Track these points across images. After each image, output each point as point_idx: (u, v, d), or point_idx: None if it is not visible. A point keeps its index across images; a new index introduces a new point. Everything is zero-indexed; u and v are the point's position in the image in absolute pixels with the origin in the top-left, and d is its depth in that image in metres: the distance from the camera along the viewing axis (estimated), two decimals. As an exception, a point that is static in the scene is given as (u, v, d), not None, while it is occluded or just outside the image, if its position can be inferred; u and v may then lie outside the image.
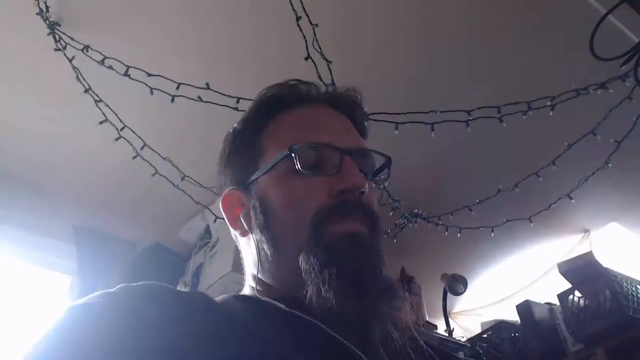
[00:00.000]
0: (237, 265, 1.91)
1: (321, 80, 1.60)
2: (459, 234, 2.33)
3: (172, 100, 1.61)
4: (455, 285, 2.34)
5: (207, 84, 1.60)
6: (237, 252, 1.97)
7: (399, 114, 1.76)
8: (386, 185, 2.02)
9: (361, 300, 0.52)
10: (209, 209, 2.02)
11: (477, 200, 2.22)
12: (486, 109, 1.84)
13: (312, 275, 0.53)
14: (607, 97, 1.85)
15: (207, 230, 2.26)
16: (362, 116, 0.69)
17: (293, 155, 0.58)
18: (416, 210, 2.28)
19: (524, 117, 1.86)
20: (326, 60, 1.57)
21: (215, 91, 1.61)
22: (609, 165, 2.11)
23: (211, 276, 1.99)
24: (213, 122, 1.97)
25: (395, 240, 2.33)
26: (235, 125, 0.69)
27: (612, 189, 2.48)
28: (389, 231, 2.34)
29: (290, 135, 0.61)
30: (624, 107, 1.88)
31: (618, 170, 2.18)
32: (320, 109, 0.65)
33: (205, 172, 1.93)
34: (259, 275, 0.60)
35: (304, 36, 1.53)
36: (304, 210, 0.56)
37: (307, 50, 1.55)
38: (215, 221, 2.07)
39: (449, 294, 2.39)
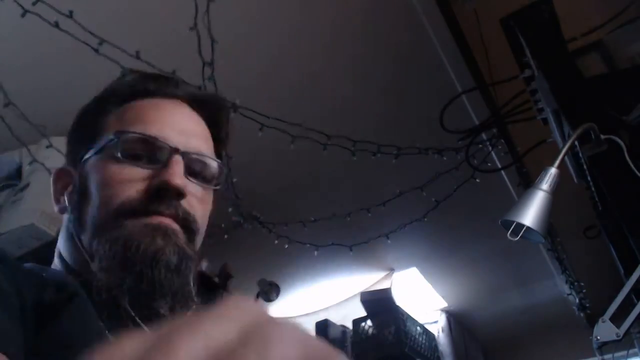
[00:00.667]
0: (44, 220, 1.70)
1: (200, 56, 1.54)
2: (287, 245, 2.42)
3: (24, 15, 1.38)
4: (269, 292, 2.41)
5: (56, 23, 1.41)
6: (47, 206, 1.75)
7: (267, 116, 1.77)
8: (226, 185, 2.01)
9: (143, 285, 0.51)
10: (27, 147, 1.76)
11: (313, 219, 2.34)
12: (344, 139, 1.97)
13: (100, 259, 0.52)
14: (440, 163, 2.14)
15: (18, 171, 1.96)
16: (222, 122, 0.67)
17: (116, 140, 0.56)
18: (254, 213, 2.31)
19: (373, 157, 2.04)
20: (211, 37, 1.52)
21: (77, 22, 1.42)
22: (425, 219, 2.43)
23: (7, 222, 1.72)
24: (60, 53, 1.75)
25: (225, 237, 2.32)
26: (87, 103, 0.65)
27: (422, 240, 2.85)
28: (222, 226, 2.32)
29: (128, 122, 0.59)
30: (450, 175, 2.18)
31: (431, 225, 2.52)
32: (171, 104, 0.62)
33: (35, 107, 1.69)
34: (64, 253, 0.59)
35: (196, 4, 1.46)
36: (111, 199, 0.54)
37: (195, 20, 1.48)
38: (30, 164, 1.80)
39: (260, 299, 2.45)
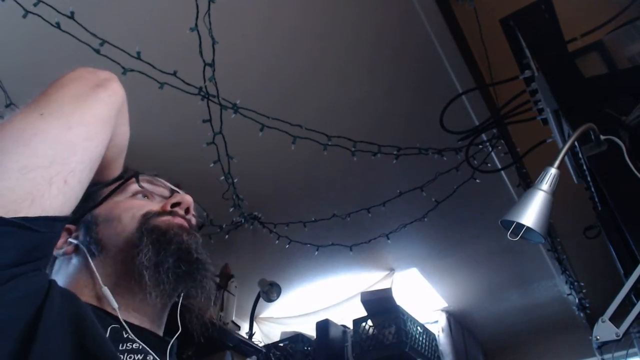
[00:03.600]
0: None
1: (201, 57, 1.54)
2: (287, 245, 2.43)
3: (25, 16, 1.39)
4: (270, 292, 2.42)
5: (57, 24, 1.41)
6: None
7: (267, 117, 1.77)
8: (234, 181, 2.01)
9: (183, 264, 0.63)
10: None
11: (313, 219, 2.35)
12: (344, 140, 1.98)
13: (141, 242, 0.63)
14: (440, 163, 2.14)
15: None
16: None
17: (137, 177, 0.71)
18: (255, 213, 2.31)
19: (373, 157, 2.04)
20: (212, 38, 1.52)
21: (78, 23, 1.43)
22: (425, 219, 2.44)
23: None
24: (61, 54, 1.75)
25: (227, 237, 2.33)
26: None
27: (421, 240, 2.85)
28: (224, 226, 2.33)
29: (127, 182, 0.73)
30: (450, 175, 2.19)
31: (431, 225, 2.53)
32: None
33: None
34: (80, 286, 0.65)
35: (197, 5, 1.46)
36: (137, 213, 0.67)
37: (196, 21, 1.48)
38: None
39: (261, 299, 2.46)
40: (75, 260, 0.68)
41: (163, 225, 0.66)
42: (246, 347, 2.14)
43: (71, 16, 1.42)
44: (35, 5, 1.40)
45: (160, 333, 0.67)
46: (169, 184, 0.76)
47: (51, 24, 1.43)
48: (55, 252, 0.69)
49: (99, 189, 0.74)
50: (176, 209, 0.70)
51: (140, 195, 0.72)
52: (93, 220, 0.69)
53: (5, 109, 1.58)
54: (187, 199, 0.72)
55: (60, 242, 0.69)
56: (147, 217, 0.67)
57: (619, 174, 1.00)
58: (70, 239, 0.69)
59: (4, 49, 1.71)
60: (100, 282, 0.63)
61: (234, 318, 2.32)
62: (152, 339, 0.63)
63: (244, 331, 2.48)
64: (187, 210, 0.71)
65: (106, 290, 0.62)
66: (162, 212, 0.68)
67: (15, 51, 1.73)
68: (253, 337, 2.42)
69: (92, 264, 0.64)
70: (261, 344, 2.45)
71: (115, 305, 0.60)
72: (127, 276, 0.63)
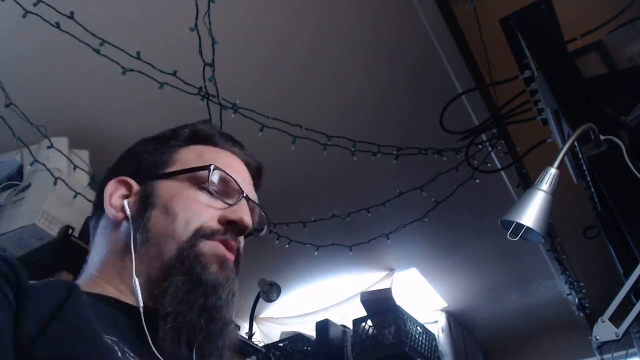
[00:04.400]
0: (45, 220, 1.70)
1: (201, 57, 1.54)
2: (287, 245, 2.43)
3: (25, 16, 1.39)
4: (270, 292, 2.42)
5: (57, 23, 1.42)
6: (48, 206, 1.75)
7: (267, 117, 1.77)
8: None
9: (200, 318, 0.58)
10: (28, 148, 1.76)
11: (313, 219, 2.35)
12: (344, 140, 1.98)
13: (176, 271, 0.59)
14: (440, 163, 2.14)
15: (20, 172, 1.96)
16: (259, 180, 0.80)
17: (210, 170, 0.65)
18: (255, 213, 2.31)
19: (373, 157, 2.04)
20: (212, 38, 1.52)
21: (78, 23, 1.43)
22: (425, 219, 2.44)
23: (9, 223, 1.72)
24: (61, 54, 1.75)
25: (226, 236, 2.32)
26: (161, 132, 0.75)
27: (421, 240, 2.85)
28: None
29: (211, 157, 0.69)
30: (450, 175, 2.18)
31: (431, 225, 2.53)
32: (233, 155, 0.74)
33: (36, 107, 1.69)
34: (111, 265, 0.63)
35: (197, 5, 1.46)
36: (192, 221, 0.63)
37: (196, 21, 1.48)
38: (31, 164, 1.80)
39: (260, 299, 2.46)
40: (121, 233, 0.64)
41: (203, 260, 0.61)
42: (246, 347, 2.14)
43: (71, 16, 1.42)
44: (35, 5, 1.40)
45: None
46: (239, 186, 0.68)
47: (51, 24, 1.42)
48: (107, 209, 0.65)
49: (174, 149, 0.70)
50: (230, 229, 0.64)
51: (207, 189, 0.65)
52: (153, 198, 0.64)
53: (5, 108, 1.58)
54: (246, 223, 0.65)
55: (116, 196, 0.65)
56: (197, 235, 0.62)
57: (619, 174, 1.00)
58: (126, 205, 0.64)
59: (3, 49, 1.71)
60: (134, 272, 0.59)
61: (233, 318, 2.32)
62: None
63: (243, 331, 2.48)
64: (242, 232, 0.66)
65: (136, 284, 0.58)
66: (215, 232, 0.63)
67: (15, 51, 1.73)
68: (253, 337, 2.42)
69: (133, 255, 0.60)
70: (261, 344, 2.45)
71: (142, 304, 0.57)
72: (153, 298, 0.59)
